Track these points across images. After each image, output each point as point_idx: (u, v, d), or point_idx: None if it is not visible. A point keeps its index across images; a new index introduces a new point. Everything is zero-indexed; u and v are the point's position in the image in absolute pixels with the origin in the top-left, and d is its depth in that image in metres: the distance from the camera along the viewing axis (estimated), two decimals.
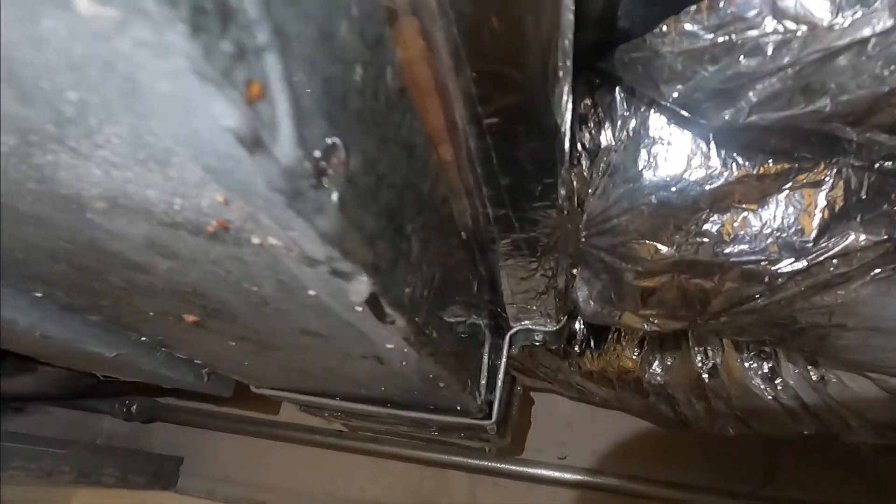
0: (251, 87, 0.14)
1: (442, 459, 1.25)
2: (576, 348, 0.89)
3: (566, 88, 0.29)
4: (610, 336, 0.89)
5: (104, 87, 0.14)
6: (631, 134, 0.48)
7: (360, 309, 0.30)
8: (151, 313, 0.40)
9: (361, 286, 0.26)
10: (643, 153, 0.48)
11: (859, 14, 0.31)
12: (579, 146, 0.51)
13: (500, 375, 0.63)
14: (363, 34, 0.21)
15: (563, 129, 0.32)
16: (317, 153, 0.18)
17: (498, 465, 1.23)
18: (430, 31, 0.25)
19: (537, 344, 0.67)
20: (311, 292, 0.29)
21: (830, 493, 1.06)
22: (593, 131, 0.50)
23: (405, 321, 0.32)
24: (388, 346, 0.37)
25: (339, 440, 1.31)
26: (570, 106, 0.31)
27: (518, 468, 1.23)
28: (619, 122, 0.49)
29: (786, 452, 1.13)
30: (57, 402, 1.32)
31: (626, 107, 0.48)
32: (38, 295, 0.39)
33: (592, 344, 0.89)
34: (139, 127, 0.16)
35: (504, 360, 0.64)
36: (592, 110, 0.50)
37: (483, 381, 0.62)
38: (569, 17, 0.26)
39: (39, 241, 0.29)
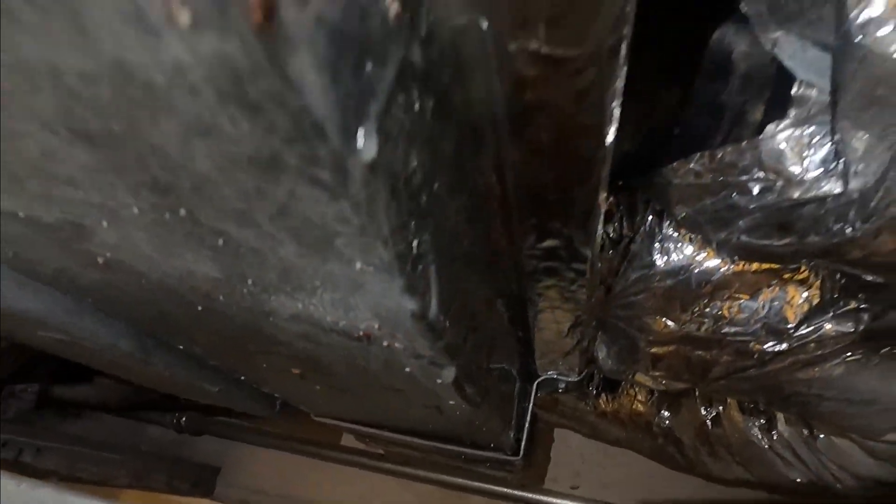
0: (425, 289, 0.25)
1: (465, 484, 1.34)
2: (592, 391, 0.99)
3: (599, 223, 0.40)
4: (624, 381, 0.98)
5: (341, 285, 0.26)
6: (647, 229, 0.59)
7: (439, 381, 0.41)
8: (265, 365, 0.52)
9: (450, 373, 0.37)
10: (657, 245, 0.59)
11: (821, 175, 0.42)
12: (605, 236, 0.62)
13: (528, 417, 0.74)
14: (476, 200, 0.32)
15: (594, 255, 0.43)
16: (448, 307, 0.29)
17: (515, 492, 1.32)
18: (508, 193, 0.36)
19: (560, 390, 0.77)
20: (408, 369, 0.40)
21: None
22: (616, 225, 0.61)
23: (472, 390, 0.42)
24: (451, 402, 0.48)
25: (369, 461, 1.41)
26: (599, 232, 0.42)
27: (534, 496, 1.32)
28: (637, 219, 0.60)
29: (784, 498, 1.20)
30: (115, 412, 1.45)
31: (643, 209, 0.59)
32: (180, 347, 0.51)
33: (608, 387, 0.99)
34: (348, 297, 0.27)
35: (531, 403, 0.75)
36: (616, 207, 0.61)
37: (513, 421, 0.72)
38: (606, 175, 0.37)
39: (215, 325, 0.40)
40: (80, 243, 0.29)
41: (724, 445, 0.92)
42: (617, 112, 0.28)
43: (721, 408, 0.90)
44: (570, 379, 0.74)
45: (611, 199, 0.61)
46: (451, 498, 1.43)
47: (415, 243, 0.23)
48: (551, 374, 0.74)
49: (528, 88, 0.27)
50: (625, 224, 0.60)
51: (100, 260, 0.31)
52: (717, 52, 0.44)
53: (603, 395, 1.00)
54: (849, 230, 0.39)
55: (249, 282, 0.29)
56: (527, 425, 0.73)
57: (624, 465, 1.38)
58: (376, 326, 0.31)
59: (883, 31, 0.32)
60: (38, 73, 0.15)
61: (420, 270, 0.24)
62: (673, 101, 0.48)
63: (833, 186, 0.41)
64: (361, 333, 0.34)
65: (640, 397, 0.98)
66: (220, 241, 0.24)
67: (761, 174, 0.44)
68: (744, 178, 0.45)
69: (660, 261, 0.59)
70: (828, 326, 0.54)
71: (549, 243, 0.39)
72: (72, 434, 1.36)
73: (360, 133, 0.17)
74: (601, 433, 1.08)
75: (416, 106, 0.21)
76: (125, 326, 0.48)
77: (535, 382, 0.75)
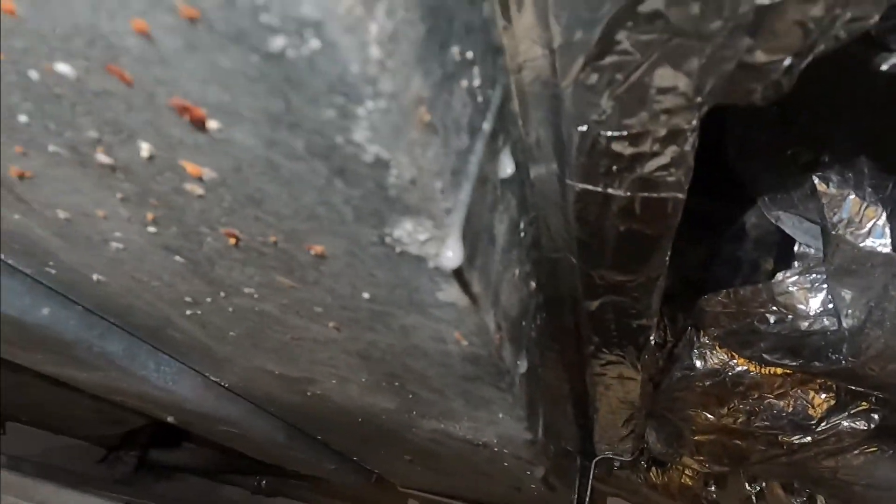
0: (537, 424, 0.39)
1: None
2: (644, 464, 1.09)
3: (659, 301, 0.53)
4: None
5: (480, 419, 0.40)
6: (687, 338, 0.72)
7: (529, 473, 0.54)
8: (383, 452, 0.65)
9: (540, 471, 0.50)
10: (696, 352, 0.71)
11: (822, 313, 0.54)
12: (653, 340, 0.75)
13: (588, 492, 0.85)
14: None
15: (652, 327, 0.56)
16: (545, 436, 0.43)
17: None
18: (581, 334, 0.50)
19: (616, 468, 0.88)
20: (506, 464, 0.53)
21: None
22: (662, 332, 0.74)
23: (554, 479, 0.55)
24: (532, 485, 0.61)
25: None
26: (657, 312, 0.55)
27: None
28: (678, 326, 0.73)
29: None
30: (201, 474, 1.60)
31: (684, 318, 0.72)
32: (319, 437, 0.66)
33: (658, 462, 1.09)
34: (482, 426, 0.41)
35: (590, 479, 0.86)
36: (661, 317, 0.74)
37: (575, 496, 0.83)
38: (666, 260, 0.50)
39: (363, 429, 0.55)
40: (305, 386, 0.44)
41: None
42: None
43: (764, 484, 0.99)
44: (624, 458, 0.85)
45: None
46: None
47: (534, 398, 0.37)
48: (608, 454, 0.86)
49: (601, 294, 0.41)
50: (668, 331, 0.73)
51: (308, 394, 0.46)
52: (733, 223, 0.58)
53: (654, 468, 1.09)
54: (843, 361, 0.51)
55: (414, 412, 0.43)
56: (587, 500, 0.84)
57: None
58: (495, 441, 0.45)
59: (851, 228, 0.46)
60: (358, 336, 0.31)
61: (535, 413, 0.38)
62: (701, 256, 0.61)
63: (831, 323, 0.53)
64: (482, 442, 0.47)
65: (688, 472, 1.07)
66: (410, 396, 0.39)
67: (775, 308, 0.57)
68: (761, 310, 0.58)
69: (699, 363, 0.71)
70: (844, 423, 0.65)
71: (609, 364, 0.52)
72: (160, 494, 1.51)
73: (523, 356, 0.31)
74: (652, 503, 1.16)
75: (538, 321, 0.36)
76: (283, 424, 0.63)
77: (594, 461, 0.86)
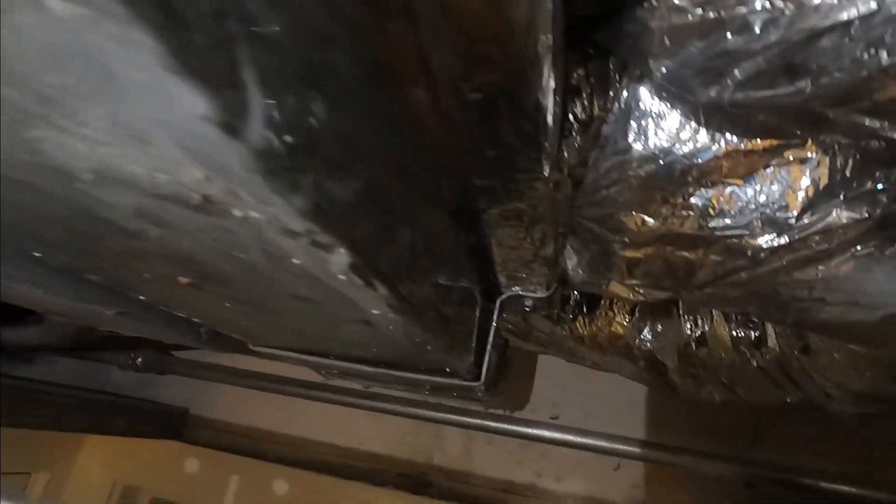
0: (221, 76, 0.15)
1: (438, 417, 1.28)
2: (569, 314, 0.91)
3: (547, 67, 0.29)
4: (602, 303, 0.90)
5: (78, 72, 0.15)
6: (622, 106, 0.48)
7: (343, 277, 0.31)
8: (148, 275, 0.42)
9: (341, 258, 0.27)
10: (633, 125, 0.48)
11: None
12: (571, 117, 0.51)
13: (490, 339, 0.65)
14: (337, 14, 0.21)
15: (546, 106, 0.32)
16: (288, 136, 0.19)
17: (492, 423, 1.27)
18: (412, 6, 0.26)
19: (527, 310, 0.69)
20: (296, 261, 0.30)
21: (810, 458, 1.09)
22: (586, 102, 0.50)
23: (387, 289, 0.33)
24: (375, 311, 0.39)
25: (337, 396, 1.35)
26: (553, 83, 0.32)
27: (511, 427, 1.27)
28: (610, 94, 0.49)
29: (770, 418, 1.16)
30: (64, 353, 1.36)
31: (618, 79, 0.48)
32: (38, 255, 0.41)
33: (585, 310, 0.91)
34: (117, 110, 0.17)
35: (494, 324, 0.66)
36: (585, 81, 0.50)
37: (473, 345, 0.63)
38: None
39: (36, 206, 0.30)
40: None
41: (709, 366, 0.85)
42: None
43: (706, 326, 0.83)
44: (536, 295, 0.65)
45: (578, 70, 0.50)
46: (427, 430, 1.38)
47: None
48: (516, 290, 0.65)
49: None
50: (595, 102, 0.50)
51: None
52: None
53: (580, 318, 0.92)
54: (885, 56, 0.28)
55: None
56: (489, 348, 0.64)
57: (606, 393, 1.33)
58: (201, 176, 0.21)
59: None
60: None
61: (196, 33, 0.14)
62: None
63: (861, 5, 0.30)
64: (197, 196, 0.23)
65: (619, 319, 0.90)
66: None
67: (766, 3, 0.34)
68: (742, 9, 0.34)
69: (637, 143, 0.48)
70: (836, 213, 0.44)
71: (481, 78, 0.28)
72: (21, 378, 1.28)
73: None
74: (580, 358, 1.01)
75: None
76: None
77: (498, 301, 0.66)
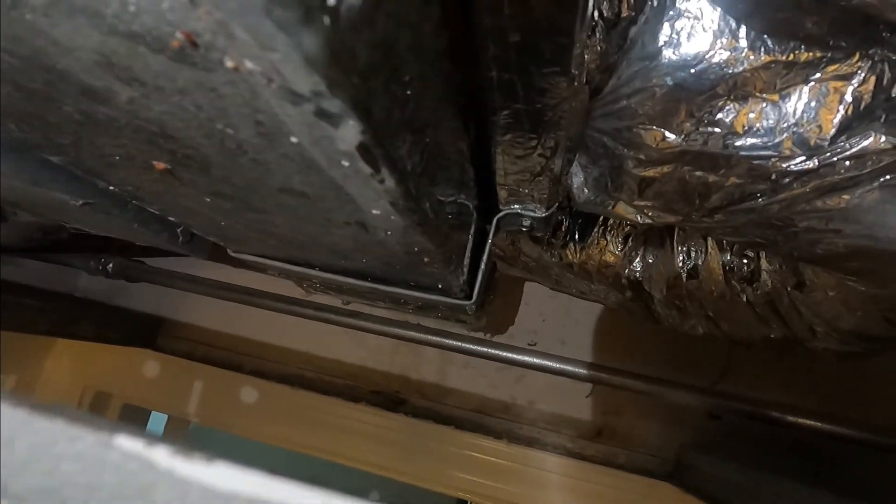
0: None
1: (417, 337, 1.28)
2: (559, 240, 0.89)
3: None
4: (595, 230, 0.88)
5: None
6: (655, 4, 0.43)
7: (346, 163, 0.27)
8: (117, 157, 0.37)
9: (350, 132, 0.23)
10: (665, 27, 0.44)
11: None
12: (596, 14, 0.46)
13: (484, 257, 0.62)
14: None
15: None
16: None
17: (469, 345, 1.27)
18: None
19: (524, 229, 0.65)
20: (294, 139, 0.26)
21: (778, 393, 1.12)
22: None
23: (395, 181, 0.29)
24: (375, 211, 0.35)
25: (317, 312, 1.33)
26: None
27: (489, 350, 1.27)
28: None
29: (743, 354, 1.18)
30: (28, 255, 1.30)
31: None
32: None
33: (577, 236, 0.89)
34: None
35: (489, 242, 0.63)
36: None
37: (466, 262, 0.61)
38: None
39: None
40: None
41: (696, 300, 0.84)
42: None
43: (700, 259, 0.81)
44: (536, 214, 0.62)
45: None
46: (404, 350, 1.38)
47: None
48: (515, 207, 0.62)
49: None
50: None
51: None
52: None
53: (571, 244, 0.89)
54: None
55: None
56: (482, 266, 0.62)
57: (583, 322, 1.34)
58: (186, 1, 0.16)
59: None
60: None
61: None
62: None
63: None
64: (180, 36, 0.19)
65: (611, 247, 0.88)
66: None
67: None
68: None
69: (667, 49, 0.44)
70: (874, 137, 0.41)
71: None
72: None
73: None
74: (565, 286, 0.99)
75: None
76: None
77: (496, 217, 0.63)
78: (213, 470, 0.13)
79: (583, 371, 1.25)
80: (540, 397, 1.32)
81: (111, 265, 1.25)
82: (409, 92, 0.26)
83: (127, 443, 0.13)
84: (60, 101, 0.29)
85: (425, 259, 0.45)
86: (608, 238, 0.87)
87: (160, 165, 0.36)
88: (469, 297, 0.61)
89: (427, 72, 0.29)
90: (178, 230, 0.59)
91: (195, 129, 0.28)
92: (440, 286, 0.59)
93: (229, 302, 1.42)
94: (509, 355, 1.27)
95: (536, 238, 0.87)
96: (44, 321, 1.13)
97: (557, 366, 1.26)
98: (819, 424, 1.01)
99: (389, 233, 0.40)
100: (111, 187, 0.46)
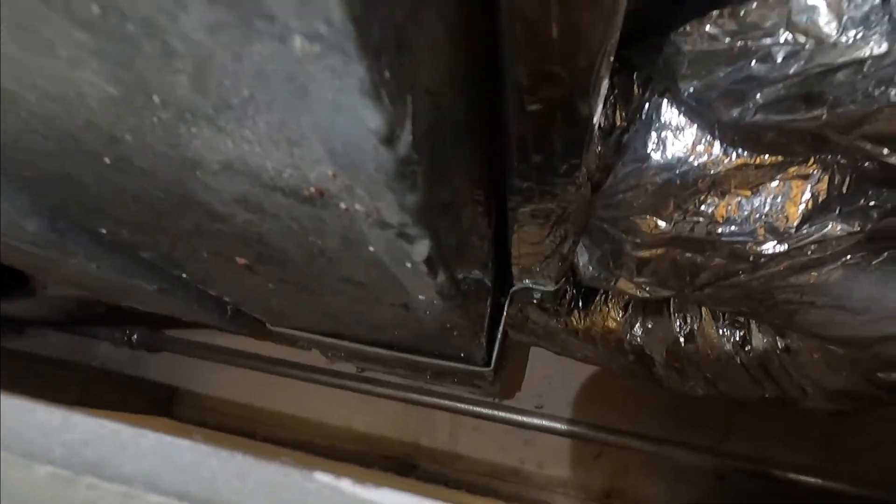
0: (393, 101, 0.18)
1: (427, 401, 1.33)
2: (564, 308, 0.96)
3: (605, 83, 0.33)
4: (597, 298, 0.95)
5: (277, 90, 0.18)
6: (643, 118, 0.53)
7: (409, 265, 0.34)
8: (205, 254, 0.44)
9: (422, 248, 0.30)
10: (653, 136, 0.52)
11: (860, 35, 0.36)
12: (596, 126, 0.55)
13: (500, 328, 0.69)
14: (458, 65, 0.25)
15: (594, 117, 0.36)
16: (420, 145, 0.22)
17: (479, 409, 1.32)
18: (499, 33, 0.29)
19: (535, 302, 0.73)
20: (371, 248, 0.34)
21: (780, 451, 1.16)
22: (609, 112, 0.54)
23: (445, 277, 0.36)
24: (421, 297, 0.42)
25: (330, 378, 1.38)
26: (603, 97, 0.35)
27: (498, 413, 1.32)
28: (633, 106, 0.53)
29: (743, 412, 1.23)
30: (56, 327, 1.36)
31: (641, 93, 0.52)
32: (103, 231, 0.43)
33: (580, 304, 0.96)
34: (289, 119, 0.20)
35: (504, 314, 0.70)
36: (610, 92, 0.54)
37: (486, 333, 0.67)
38: (619, 22, 0.30)
39: (133, 187, 0.33)
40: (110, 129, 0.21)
41: (695, 362, 0.90)
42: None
43: (695, 324, 0.88)
44: (546, 289, 0.70)
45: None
46: (416, 414, 1.42)
47: (381, 30, 0.16)
48: (527, 282, 0.70)
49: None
50: (619, 111, 0.54)
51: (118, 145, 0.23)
52: None
53: (575, 311, 0.96)
54: (893, 93, 0.33)
55: (154, 99, 0.21)
56: (499, 336, 0.69)
57: (588, 387, 1.39)
58: (330, 174, 0.24)
59: None
60: None
61: (387, 71, 0.17)
62: None
63: (874, 47, 0.35)
64: (312, 190, 0.27)
65: (612, 314, 0.95)
66: (98, 10, 0.17)
67: (789, 36, 0.38)
68: (767, 41, 0.39)
69: (655, 153, 0.53)
70: (832, 226, 0.49)
71: (545, 93, 0.32)
72: (15, 351, 1.28)
73: None
74: (570, 351, 1.06)
75: None
76: (29, 204, 0.40)
77: (510, 292, 0.70)
78: (381, 492, 0.19)
79: (590, 433, 1.29)
80: (549, 460, 1.35)
81: (135, 336, 1.31)
82: (460, 208, 0.35)
83: (323, 476, 0.19)
84: (181, 217, 0.37)
85: (455, 333, 0.53)
86: (609, 305, 0.95)
87: (242, 261, 0.44)
88: (488, 364, 0.68)
89: (468, 190, 0.38)
90: (228, 307, 0.66)
91: (290, 239, 0.36)
92: (462, 355, 0.66)
93: (243, 369, 1.47)
94: (518, 418, 1.31)
95: (543, 307, 0.94)
96: (74, 391, 1.18)
97: (565, 428, 1.30)
98: (821, 482, 1.04)
99: (429, 312, 0.47)
100: (184, 275, 0.53)
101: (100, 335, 1.35)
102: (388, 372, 1.01)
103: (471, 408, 1.31)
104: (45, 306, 1.34)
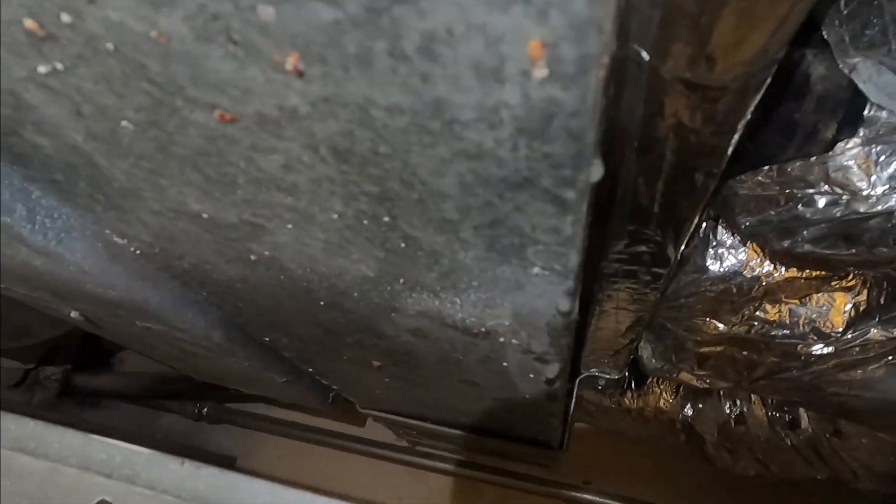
0: (577, 293, 0.28)
1: (475, 475, 1.37)
2: (618, 388, 1.03)
3: (687, 227, 0.43)
4: (650, 380, 1.02)
5: (501, 286, 0.28)
6: (702, 236, 0.62)
7: (532, 376, 0.43)
8: (346, 357, 0.54)
9: (552, 369, 0.39)
10: (710, 252, 0.62)
11: (888, 189, 0.45)
12: None
13: (571, 412, 0.77)
14: None
15: (679, 245, 0.46)
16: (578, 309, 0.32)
17: (527, 483, 1.36)
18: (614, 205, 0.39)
19: (599, 388, 0.80)
20: (505, 364, 0.43)
21: None
22: None
23: (560, 382, 0.45)
24: (527, 395, 0.51)
25: (381, 451, 1.44)
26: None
27: (546, 488, 1.35)
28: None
29: (795, 494, 1.25)
30: (129, 400, 1.46)
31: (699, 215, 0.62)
32: (266, 339, 0.53)
33: (633, 385, 1.03)
34: (498, 297, 0.30)
35: (574, 398, 0.78)
36: None
37: (559, 416, 0.75)
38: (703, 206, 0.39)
39: (325, 318, 0.43)
40: (246, 242, 0.31)
41: (745, 442, 0.95)
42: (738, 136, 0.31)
43: (745, 407, 0.94)
44: (610, 377, 0.77)
45: None
46: (463, 486, 1.46)
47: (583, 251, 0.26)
48: (593, 371, 0.77)
49: (669, 111, 0.29)
50: None
51: (252, 257, 0.33)
52: (795, 73, 0.47)
53: (629, 392, 1.03)
54: None
55: (401, 281, 0.31)
56: (570, 420, 0.76)
57: (635, 461, 1.42)
58: (506, 324, 0.34)
59: None
60: (344, 105, 0.18)
61: (580, 265, 0.27)
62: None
63: None
64: (483, 330, 0.36)
65: (665, 395, 1.01)
66: (403, 244, 0.27)
67: (827, 188, 0.47)
68: (810, 191, 0.48)
69: (713, 266, 0.62)
70: (873, 332, 0.57)
71: (638, 248, 0.42)
72: (88, 421, 1.37)
73: (597, 161, 0.19)
74: (623, 429, 1.11)
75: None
76: (219, 317, 0.50)
77: (578, 379, 0.78)
78: None
79: None
80: None
81: (206, 409, 1.40)
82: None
83: None
84: (348, 336, 0.46)
85: (550, 419, 0.60)
86: (661, 387, 1.01)
87: (377, 364, 0.53)
88: (561, 446, 0.75)
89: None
90: (332, 394, 0.75)
91: (435, 354, 0.45)
92: (539, 437, 0.73)
93: (296, 440, 1.53)
94: (566, 493, 1.35)
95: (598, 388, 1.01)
96: None
97: (611, 503, 1.33)
98: None
99: (527, 406, 0.55)
100: (310, 369, 0.63)
101: (173, 408, 1.44)
102: (450, 450, 1.07)
103: (516, 482, 1.35)
104: (122, 381, 1.45)
